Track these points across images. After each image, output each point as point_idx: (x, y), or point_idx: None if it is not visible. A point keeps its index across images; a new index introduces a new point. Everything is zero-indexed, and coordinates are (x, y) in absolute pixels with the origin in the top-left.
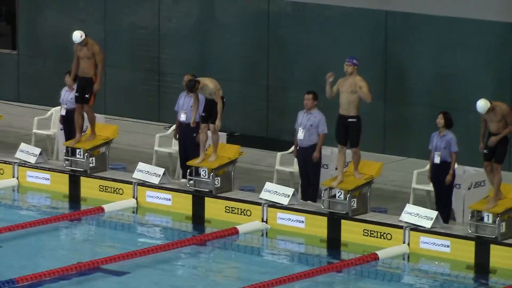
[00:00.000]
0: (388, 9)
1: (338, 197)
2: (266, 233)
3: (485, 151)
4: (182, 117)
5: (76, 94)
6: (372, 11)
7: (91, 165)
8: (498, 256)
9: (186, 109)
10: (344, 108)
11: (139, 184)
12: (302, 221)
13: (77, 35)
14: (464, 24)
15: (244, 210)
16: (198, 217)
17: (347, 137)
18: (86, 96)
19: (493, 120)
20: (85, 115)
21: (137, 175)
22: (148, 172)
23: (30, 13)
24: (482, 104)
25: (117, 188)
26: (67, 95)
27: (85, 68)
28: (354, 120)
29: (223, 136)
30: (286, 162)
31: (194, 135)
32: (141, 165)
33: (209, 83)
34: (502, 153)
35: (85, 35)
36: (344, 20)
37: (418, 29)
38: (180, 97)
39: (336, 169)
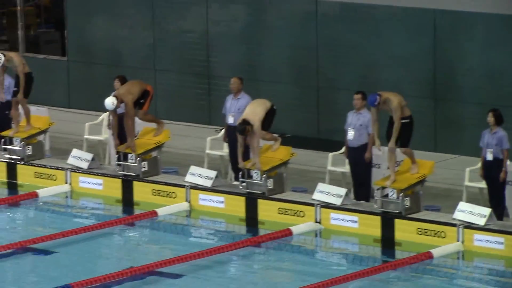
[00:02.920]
0: (436, 7)
1: (391, 196)
2: (320, 233)
3: None
4: (230, 120)
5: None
6: (420, 10)
7: (143, 169)
8: None
9: (233, 111)
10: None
11: (192, 187)
12: (356, 221)
13: (109, 103)
14: None
15: (298, 211)
16: (251, 219)
17: (398, 137)
18: (141, 101)
19: None
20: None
21: (189, 178)
22: (201, 175)
23: (78, 19)
24: None
25: (170, 192)
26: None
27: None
28: (407, 120)
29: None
30: (338, 163)
31: None
32: (193, 169)
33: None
34: None
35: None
36: (393, 20)
37: (467, 27)
38: (227, 100)
39: (388, 168)
